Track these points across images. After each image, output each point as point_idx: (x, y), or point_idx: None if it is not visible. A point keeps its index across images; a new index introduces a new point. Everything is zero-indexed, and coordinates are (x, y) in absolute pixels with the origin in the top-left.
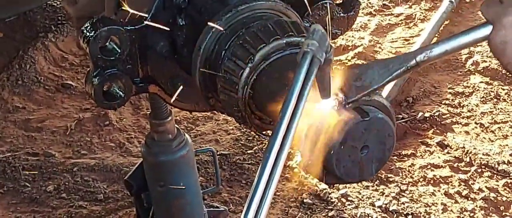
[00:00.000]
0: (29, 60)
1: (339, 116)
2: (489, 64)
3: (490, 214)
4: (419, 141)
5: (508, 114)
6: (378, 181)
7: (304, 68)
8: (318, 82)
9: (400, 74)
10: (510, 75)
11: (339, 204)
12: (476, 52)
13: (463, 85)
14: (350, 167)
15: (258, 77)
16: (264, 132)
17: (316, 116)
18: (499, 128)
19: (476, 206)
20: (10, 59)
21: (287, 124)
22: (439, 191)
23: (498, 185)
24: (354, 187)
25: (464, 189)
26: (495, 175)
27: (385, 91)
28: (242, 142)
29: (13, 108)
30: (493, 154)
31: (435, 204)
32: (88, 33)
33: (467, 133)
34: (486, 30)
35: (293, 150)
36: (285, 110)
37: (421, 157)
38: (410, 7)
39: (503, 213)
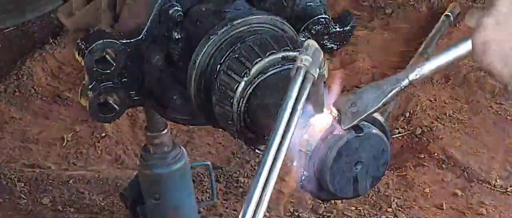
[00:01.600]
0: (27, 71)
1: (333, 131)
2: (488, 80)
3: None
4: (416, 156)
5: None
6: (375, 196)
7: (298, 84)
8: (312, 99)
9: (394, 95)
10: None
11: None
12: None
13: (461, 100)
14: (344, 183)
15: (254, 91)
16: (258, 147)
17: (310, 131)
18: (498, 143)
19: None
20: (7, 70)
21: (280, 139)
22: (436, 206)
23: (496, 201)
24: (350, 202)
25: (462, 204)
26: (493, 191)
27: None
28: (238, 156)
29: (9, 119)
30: (491, 169)
31: None
32: (83, 46)
33: (465, 148)
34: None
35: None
36: (278, 125)
37: (418, 172)
38: (409, 22)
39: None
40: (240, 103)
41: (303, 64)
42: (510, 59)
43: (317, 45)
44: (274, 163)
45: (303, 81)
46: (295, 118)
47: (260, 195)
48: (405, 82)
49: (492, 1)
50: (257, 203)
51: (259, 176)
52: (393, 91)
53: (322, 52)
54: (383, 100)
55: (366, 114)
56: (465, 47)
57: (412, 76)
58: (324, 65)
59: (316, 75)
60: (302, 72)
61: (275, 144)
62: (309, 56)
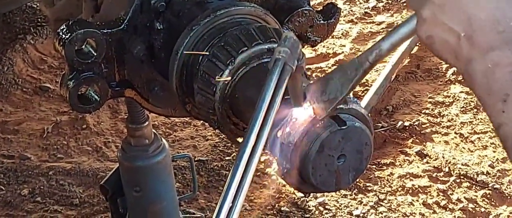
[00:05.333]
0: (7, 62)
1: (316, 124)
2: None
3: None
4: (398, 150)
5: (488, 124)
6: (356, 189)
7: (275, 76)
8: (290, 91)
9: (359, 79)
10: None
11: (316, 212)
12: None
13: (443, 94)
14: (327, 176)
15: (237, 81)
16: (238, 139)
17: (293, 123)
18: (479, 138)
19: (454, 216)
20: None
21: (257, 132)
22: (417, 201)
23: (476, 196)
24: (332, 196)
25: (443, 199)
26: (474, 186)
27: (365, 100)
28: (220, 148)
29: None
30: (472, 164)
31: (413, 214)
32: (64, 36)
33: (446, 142)
34: None
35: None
36: (256, 118)
37: (400, 166)
38: (392, 15)
39: None
40: (223, 92)
41: (281, 56)
42: (459, 52)
43: (295, 37)
44: (251, 157)
45: (281, 73)
46: (273, 111)
47: (235, 192)
48: (367, 65)
49: None
50: (231, 202)
51: (235, 170)
52: (357, 76)
53: (300, 44)
54: (350, 86)
55: (337, 102)
56: (414, 23)
57: (371, 58)
58: (302, 57)
59: (294, 68)
60: (280, 64)
61: (252, 137)
62: (287, 48)
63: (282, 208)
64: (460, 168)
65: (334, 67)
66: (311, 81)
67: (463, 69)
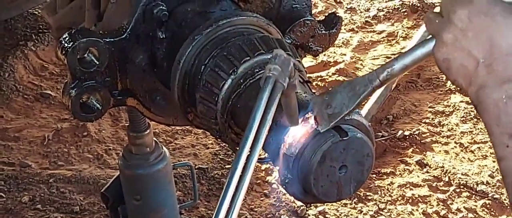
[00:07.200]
0: (9, 68)
1: (318, 135)
2: None
3: None
4: (399, 159)
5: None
6: (356, 199)
7: (266, 93)
8: (284, 109)
9: (367, 95)
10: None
11: None
12: None
13: (443, 104)
14: (328, 187)
15: (240, 91)
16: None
17: (294, 135)
18: (479, 148)
19: None
20: None
21: (249, 150)
22: (417, 210)
23: (476, 206)
24: (332, 205)
25: (443, 209)
26: (474, 196)
27: (365, 109)
28: (220, 157)
29: None
30: (472, 174)
31: None
32: (66, 44)
33: (446, 152)
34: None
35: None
36: (247, 136)
37: (400, 175)
38: (392, 24)
39: None
40: (225, 102)
41: (272, 73)
42: (474, 79)
43: (286, 55)
44: (242, 175)
45: (272, 91)
46: (265, 129)
47: (228, 209)
48: (376, 82)
49: (448, 12)
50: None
51: (227, 188)
52: (366, 92)
53: (292, 62)
54: (357, 101)
55: (342, 116)
56: (430, 46)
57: (382, 76)
58: (294, 75)
59: (286, 85)
60: (270, 82)
61: (242, 157)
62: (278, 66)
63: (282, 217)
64: (460, 177)
65: (334, 75)
66: (316, 93)
67: (474, 94)
